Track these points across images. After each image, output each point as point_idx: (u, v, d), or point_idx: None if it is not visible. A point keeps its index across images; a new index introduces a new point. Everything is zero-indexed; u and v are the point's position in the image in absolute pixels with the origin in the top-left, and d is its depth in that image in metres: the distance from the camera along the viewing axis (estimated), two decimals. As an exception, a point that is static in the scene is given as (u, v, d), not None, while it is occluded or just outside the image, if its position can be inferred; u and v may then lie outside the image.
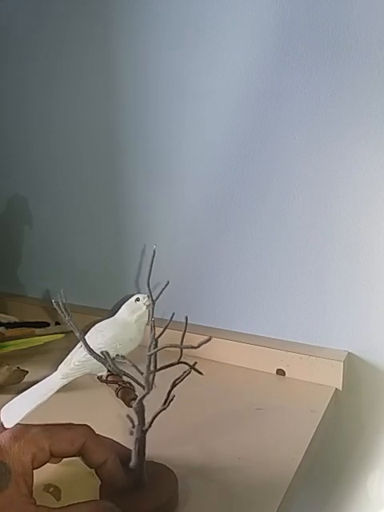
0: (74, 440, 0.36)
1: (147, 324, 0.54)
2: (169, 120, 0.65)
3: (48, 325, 0.76)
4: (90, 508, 0.33)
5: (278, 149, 0.58)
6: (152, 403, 0.37)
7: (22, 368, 0.58)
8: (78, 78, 0.71)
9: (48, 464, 0.36)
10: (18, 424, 0.36)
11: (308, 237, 0.59)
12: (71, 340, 0.52)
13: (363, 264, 0.56)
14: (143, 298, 0.55)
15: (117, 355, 0.38)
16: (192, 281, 0.68)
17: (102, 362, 0.36)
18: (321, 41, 0.53)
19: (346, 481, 0.60)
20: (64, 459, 0.39)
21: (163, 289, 0.44)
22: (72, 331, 0.37)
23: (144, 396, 0.37)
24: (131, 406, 0.38)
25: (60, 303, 0.37)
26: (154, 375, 0.37)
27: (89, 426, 0.38)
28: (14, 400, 0.43)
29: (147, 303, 0.54)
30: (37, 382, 0.46)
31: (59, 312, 0.36)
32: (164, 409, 0.36)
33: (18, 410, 0.41)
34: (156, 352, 0.36)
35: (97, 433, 0.38)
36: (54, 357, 0.53)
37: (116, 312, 0.56)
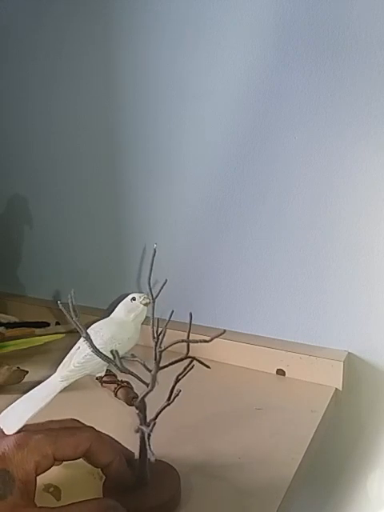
0: (78, 445, 0.36)
1: (148, 322, 0.54)
2: (169, 120, 0.65)
3: (48, 325, 0.76)
4: (92, 506, 0.33)
5: (278, 149, 0.58)
6: (152, 401, 0.37)
7: (22, 368, 0.58)
8: (78, 78, 0.71)
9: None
10: (21, 430, 0.36)
11: (308, 237, 0.59)
12: (71, 340, 0.52)
13: (363, 264, 0.56)
14: (139, 297, 0.54)
15: (125, 354, 0.38)
16: (192, 281, 0.68)
17: (110, 362, 0.36)
18: (321, 41, 0.53)
19: (346, 481, 0.60)
20: None
21: (162, 287, 0.44)
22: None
23: (147, 393, 0.36)
24: (133, 405, 0.37)
25: (70, 304, 0.36)
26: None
27: (93, 429, 0.37)
28: (12, 405, 0.41)
29: (144, 302, 0.54)
30: (37, 382, 0.46)
31: (66, 312, 0.36)
32: (168, 404, 0.36)
33: (18, 415, 0.39)
34: (166, 348, 0.36)
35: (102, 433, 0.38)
36: (53, 357, 0.53)
37: (112, 312, 0.56)
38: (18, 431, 0.36)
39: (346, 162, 0.55)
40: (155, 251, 0.46)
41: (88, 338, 0.36)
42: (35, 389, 0.45)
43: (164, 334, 0.37)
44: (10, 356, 0.64)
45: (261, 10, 0.56)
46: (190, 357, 0.36)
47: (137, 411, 0.37)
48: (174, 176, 0.66)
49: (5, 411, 0.41)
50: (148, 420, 0.37)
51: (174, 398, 0.35)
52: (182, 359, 0.36)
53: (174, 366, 0.36)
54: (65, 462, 0.39)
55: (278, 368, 0.61)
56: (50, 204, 0.80)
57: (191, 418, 0.51)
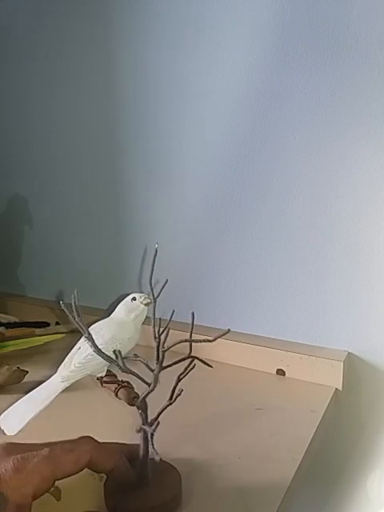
0: (78, 459, 0.35)
1: (148, 322, 0.54)
2: (169, 120, 0.65)
3: (48, 325, 0.76)
4: None
5: (278, 149, 0.58)
6: (151, 401, 0.37)
7: (22, 368, 0.58)
8: (78, 78, 0.71)
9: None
10: (20, 455, 0.34)
11: (308, 237, 0.59)
12: (71, 340, 0.52)
13: (363, 264, 0.56)
14: (140, 297, 0.54)
15: (126, 354, 0.37)
16: (192, 281, 0.68)
17: (112, 362, 0.36)
18: (321, 41, 0.53)
19: (346, 481, 0.60)
20: None
21: (163, 287, 0.44)
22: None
23: (149, 392, 0.36)
24: (134, 405, 0.37)
25: (73, 304, 0.36)
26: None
27: (91, 438, 0.37)
28: (13, 406, 0.41)
29: (144, 302, 0.54)
30: (37, 382, 0.46)
31: (68, 312, 0.36)
32: (170, 404, 0.36)
33: (18, 416, 0.39)
34: (170, 348, 0.36)
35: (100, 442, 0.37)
36: (53, 357, 0.53)
37: (111, 312, 0.56)
38: (18, 449, 0.34)
39: (345, 162, 0.55)
40: (157, 251, 0.46)
41: (90, 338, 0.36)
42: (36, 389, 0.44)
43: (167, 334, 0.37)
44: (9, 356, 0.64)
45: (261, 10, 0.56)
46: (192, 357, 0.36)
47: (139, 411, 0.37)
48: (174, 176, 0.66)
49: (6, 412, 0.41)
50: (149, 420, 0.37)
51: (176, 397, 0.36)
52: (184, 359, 0.36)
53: (174, 365, 0.36)
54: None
55: (278, 368, 0.61)
56: (50, 204, 0.80)
57: (191, 418, 0.51)
